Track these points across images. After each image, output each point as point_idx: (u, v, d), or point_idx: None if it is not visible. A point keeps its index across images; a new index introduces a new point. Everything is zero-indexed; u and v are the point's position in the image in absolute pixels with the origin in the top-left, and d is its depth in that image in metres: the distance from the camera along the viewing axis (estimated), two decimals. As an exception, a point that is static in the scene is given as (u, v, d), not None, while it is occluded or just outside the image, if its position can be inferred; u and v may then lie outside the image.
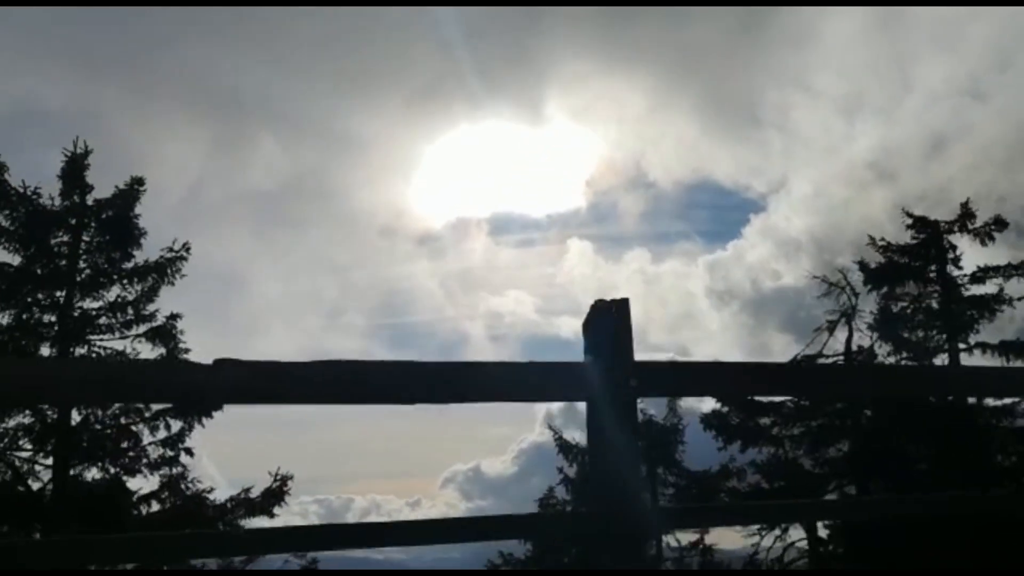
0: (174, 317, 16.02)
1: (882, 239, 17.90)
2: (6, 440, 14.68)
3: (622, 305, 2.60)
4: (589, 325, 2.61)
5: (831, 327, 17.93)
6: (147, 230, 15.87)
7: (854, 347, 17.95)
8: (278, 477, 15.37)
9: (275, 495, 15.20)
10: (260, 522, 14.95)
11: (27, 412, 14.56)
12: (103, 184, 15.79)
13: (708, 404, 18.24)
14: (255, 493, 15.23)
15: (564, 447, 18.97)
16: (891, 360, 17.64)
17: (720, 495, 19.17)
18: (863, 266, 17.94)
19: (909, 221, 17.84)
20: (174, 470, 15.54)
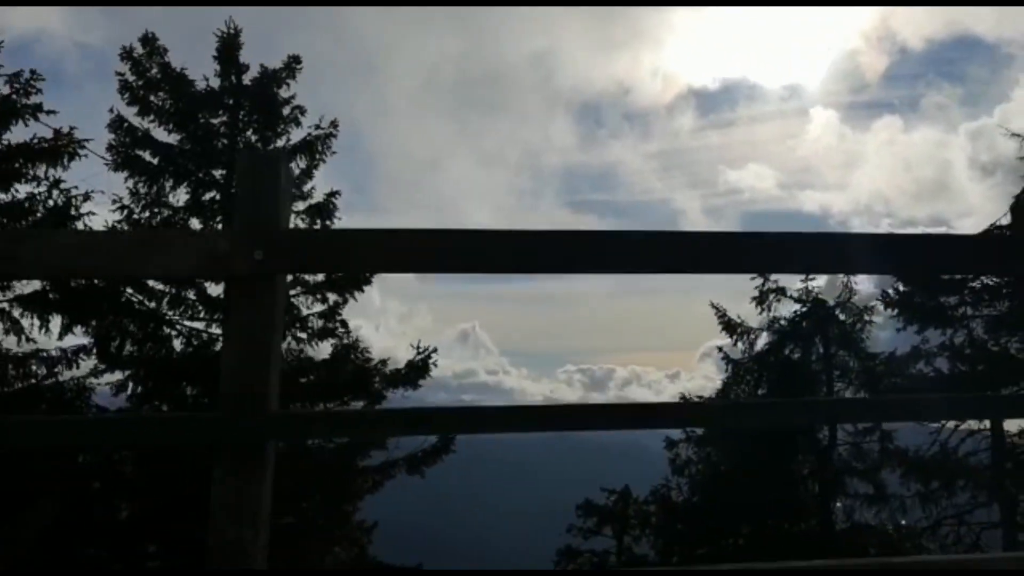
0: (333, 194, 16.41)
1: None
2: (183, 308, 15.67)
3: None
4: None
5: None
6: (306, 108, 16.20)
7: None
8: (421, 350, 15.65)
9: (419, 368, 15.55)
10: (403, 393, 15.38)
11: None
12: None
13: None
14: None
15: (728, 326, 18.00)
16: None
17: (903, 379, 17.58)
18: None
19: None
20: (344, 340, 16.16)
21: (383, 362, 15.69)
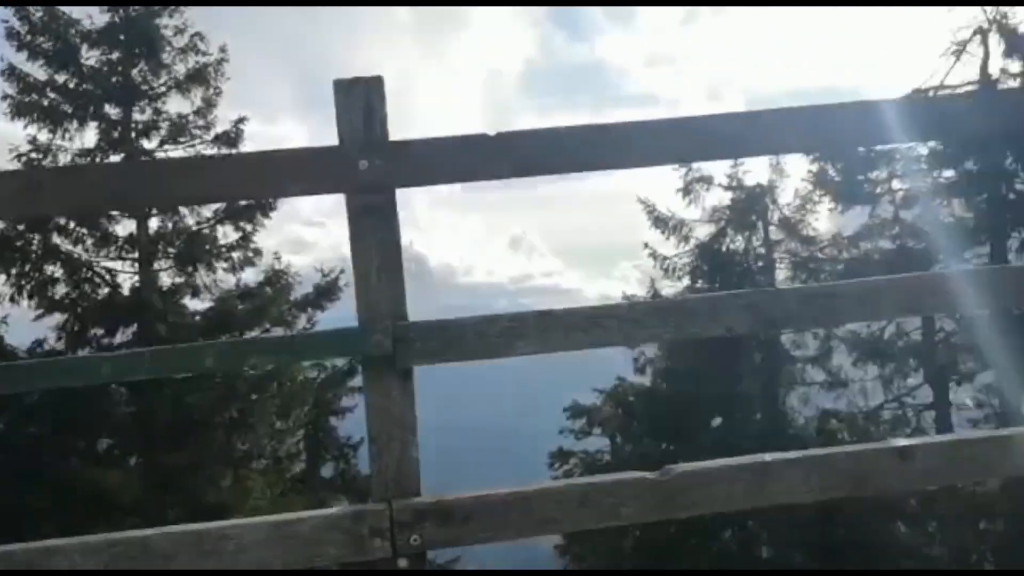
0: (240, 121, 16.36)
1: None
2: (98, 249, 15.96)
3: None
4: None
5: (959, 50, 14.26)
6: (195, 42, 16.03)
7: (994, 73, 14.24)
8: (326, 272, 15.78)
9: (325, 291, 15.75)
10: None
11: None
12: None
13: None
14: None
15: (657, 220, 17.40)
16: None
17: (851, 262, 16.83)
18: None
19: None
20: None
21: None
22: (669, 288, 17.40)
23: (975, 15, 14.45)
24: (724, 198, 17.63)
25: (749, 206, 17.40)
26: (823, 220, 17.26)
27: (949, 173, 15.24)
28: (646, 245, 17.17)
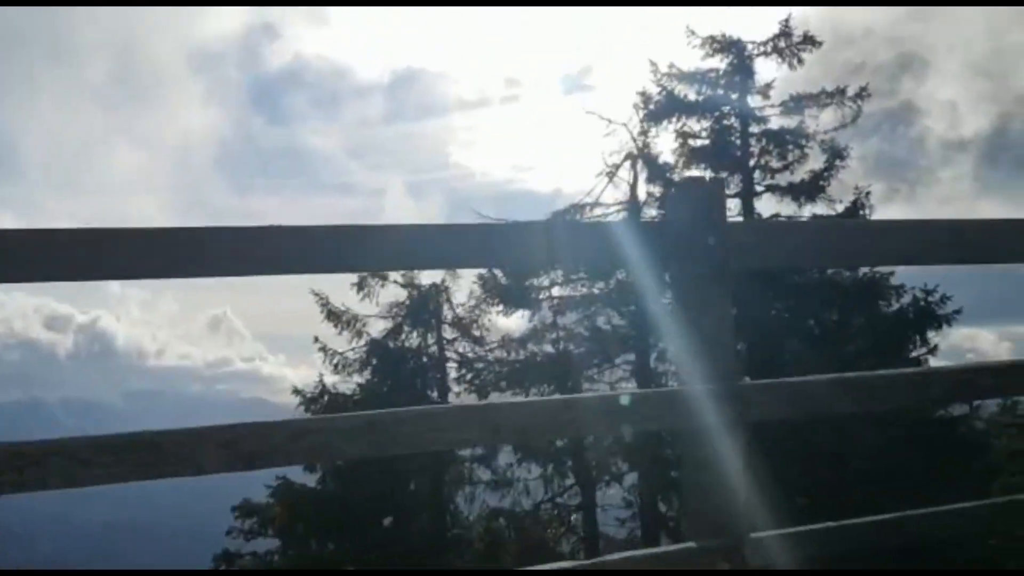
0: None
1: (671, 65, 15.42)
2: None
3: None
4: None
5: (612, 172, 15.61)
6: None
7: (642, 194, 15.71)
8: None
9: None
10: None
11: None
12: None
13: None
14: None
15: (331, 314, 16.99)
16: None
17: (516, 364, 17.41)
18: (645, 98, 15.48)
19: (697, 42, 15.27)
20: None
21: None
22: (343, 384, 17.02)
23: (626, 141, 15.88)
24: (401, 294, 17.68)
25: (424, 304, 17.55)
26: (499, 321, 17.79)
27: (602, 284, 16.35)
28: (316, 339, 16.66)
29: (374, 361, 17.18)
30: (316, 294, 16.92)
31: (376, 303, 17.15)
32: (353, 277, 16.79)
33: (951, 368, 3.66)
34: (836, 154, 15.12)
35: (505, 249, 2.52)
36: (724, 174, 15.30)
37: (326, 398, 16.65)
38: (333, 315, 16.98)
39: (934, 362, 15.30)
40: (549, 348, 17.27)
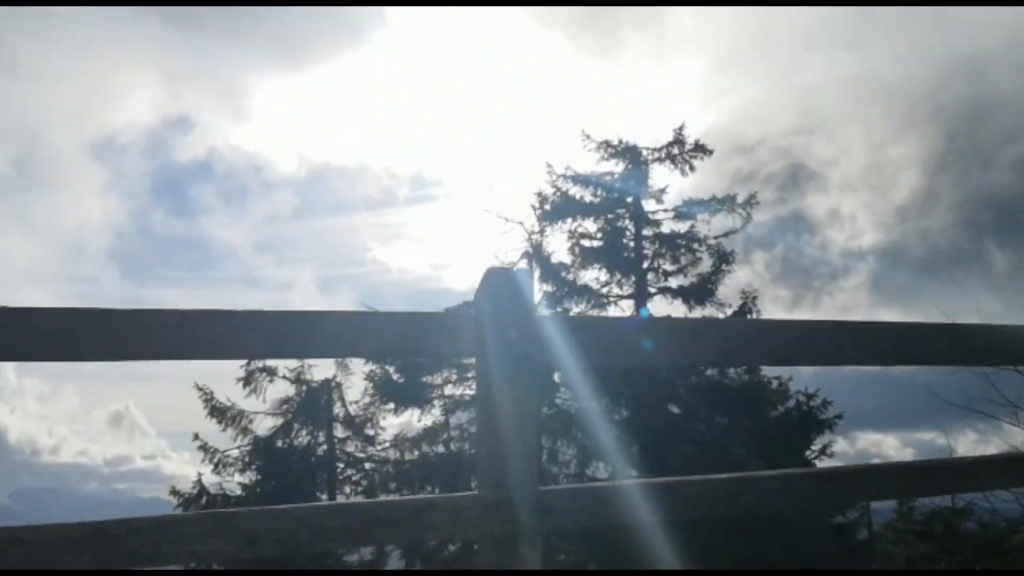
0: None
1: (568, 168, 15.70)
2: None
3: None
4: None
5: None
6: None
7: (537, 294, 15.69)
8: None
9: None
10: None
11: None
12: None
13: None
14: None
15: (215, 410, 16.21)
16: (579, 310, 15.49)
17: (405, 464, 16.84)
18: (542, 199, 15.65)
19: (592, 145, 15.63)
20: None
21: None
22: (227, 483, 16.18)
23: (522, 239, 15.94)
24: (291, 390, 17.09)
25: (314, 401, 16.99)
26: (392, 419, 17.28)
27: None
28: (196, 436, 15.86)
29: (258, 462, 16.41)
30: (200, 388, 16.21)
31: (263, 399, 16.50)
32: (240, 371, 16.18)
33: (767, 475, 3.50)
34: (723, 258, 15.44)
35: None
36: (618, 275, 15.43)
37: (204, 499, 15.74)
38: (217, 411, 16.24)
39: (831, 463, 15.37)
40: (441, 448, 16.83)
